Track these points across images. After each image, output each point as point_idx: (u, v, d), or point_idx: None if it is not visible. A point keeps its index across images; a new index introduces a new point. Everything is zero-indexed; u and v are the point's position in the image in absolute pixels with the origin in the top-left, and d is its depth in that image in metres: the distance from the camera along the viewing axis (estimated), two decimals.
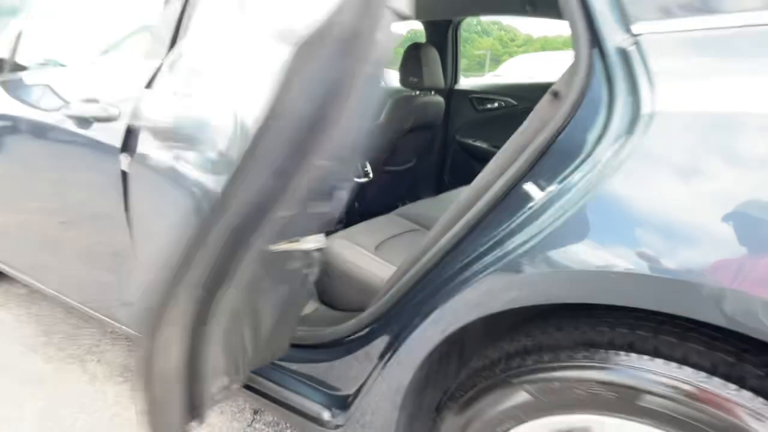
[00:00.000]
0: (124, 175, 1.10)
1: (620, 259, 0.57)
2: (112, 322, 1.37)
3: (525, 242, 0.63)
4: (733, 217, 0.51)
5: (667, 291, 0.55)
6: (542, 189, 0.65)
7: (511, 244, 0.65)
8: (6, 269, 1.73)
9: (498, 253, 0.66)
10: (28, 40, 1.57)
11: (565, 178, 0.62)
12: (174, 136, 0.90)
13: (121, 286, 1.25)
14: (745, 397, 0.53)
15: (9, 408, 1.34)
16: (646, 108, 0.58)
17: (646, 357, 0.59)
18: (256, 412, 1.36)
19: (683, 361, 0.57)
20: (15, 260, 1.68)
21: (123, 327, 1.34)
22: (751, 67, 0.54)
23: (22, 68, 1.56)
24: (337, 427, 0.91)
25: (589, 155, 0.61)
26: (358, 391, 0.87)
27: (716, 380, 0.55)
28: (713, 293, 0.52)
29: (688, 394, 0.56)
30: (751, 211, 0.51)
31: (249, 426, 1.31)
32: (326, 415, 0.93)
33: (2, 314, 1.84)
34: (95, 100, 1.17)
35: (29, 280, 1.63)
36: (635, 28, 0.60)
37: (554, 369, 0.64)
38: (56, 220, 1.41)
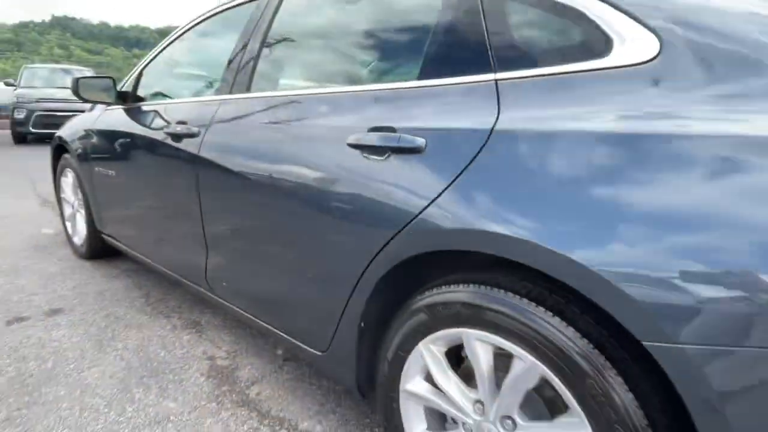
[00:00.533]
0: (197, 176, 1.57)
1: (482, 222, 0.88)
2: (197, 287, 1.83)
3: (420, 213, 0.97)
4: (531, 195, 0.82)
5: (492, 242, 0.86)
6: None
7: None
8: (124, 248, 2.33)
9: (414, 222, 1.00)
10: (145, 79, 2.18)
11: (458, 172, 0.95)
12: None
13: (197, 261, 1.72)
14: (531, 304, 0.83)
15: (119, 342, 1.87)
16: (496, 126, 0.90)
17: (488, 287, 0.90)
18: (286, 360, 1.76)
19: (509, 289, 0.87)
20: (131, 242, 2.26)
21: (201, 290, 1.80)
22: (560, 101, 0.85)
23: (141, 99, 2.16)
24: (323, 351, 1.27)
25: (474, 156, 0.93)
26: (338, 325, 1.23)
27: (525, 300, 0.85)
28: (517, 242, 0.82)
29: (509, 307, 0.86)
30: (549, 186, 0.80)
31: (279, 368, 1.71)
32: (318, 343, 1.30)
33: (117, 283, 2.45)
34: (184, 122, 1.68)
35: (140, 256, 2.20)
36: (496, 75, 0.93)
37: (439, 294, 0.96)
38: (158, 210, 1.94)
